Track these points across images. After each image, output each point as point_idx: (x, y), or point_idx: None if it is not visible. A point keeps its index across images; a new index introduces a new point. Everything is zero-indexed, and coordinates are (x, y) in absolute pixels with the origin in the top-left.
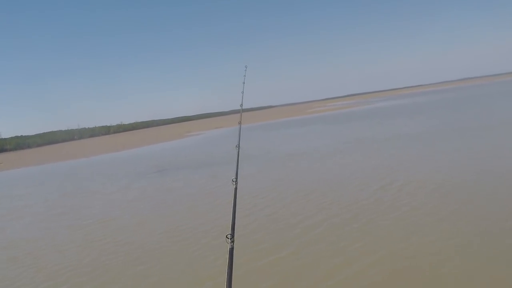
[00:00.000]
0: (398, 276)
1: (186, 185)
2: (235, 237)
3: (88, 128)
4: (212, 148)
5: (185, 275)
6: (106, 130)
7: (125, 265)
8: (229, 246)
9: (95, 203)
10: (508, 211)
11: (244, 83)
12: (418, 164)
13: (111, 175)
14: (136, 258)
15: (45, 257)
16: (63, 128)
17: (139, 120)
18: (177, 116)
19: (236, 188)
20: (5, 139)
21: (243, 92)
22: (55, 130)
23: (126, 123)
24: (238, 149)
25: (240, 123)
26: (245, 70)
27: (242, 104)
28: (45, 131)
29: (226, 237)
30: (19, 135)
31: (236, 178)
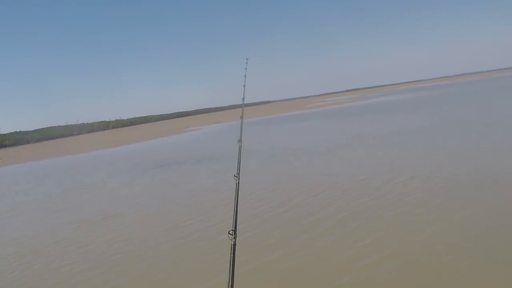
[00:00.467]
0: (407, 272)
1: (188, 180)
2: (237, 233)
3: (87, 123)
4: (212, 143)
5: (188, 272)
6: (105, 126)
7: (129, 261)
8: (231, 242)
9: (97, 198)
10: None
11: (245, 76)
12: (423, 159)
13: (112, 171)
14: (140, 255)
15: (50, 253)
16: (62, 123)
17: (138, 115)
18: (176, 111)
19: (238, 183)
20: (4, 134)
21: (244, 85)
22: (54, 125)
23: (125, 118)
24: (240, 143)
25: (242, 117)
26: (246, 62)
27: (244, 98)
28: (44, 127)
29: (229, 233)
30: (18, 130)
31: (238, 173)
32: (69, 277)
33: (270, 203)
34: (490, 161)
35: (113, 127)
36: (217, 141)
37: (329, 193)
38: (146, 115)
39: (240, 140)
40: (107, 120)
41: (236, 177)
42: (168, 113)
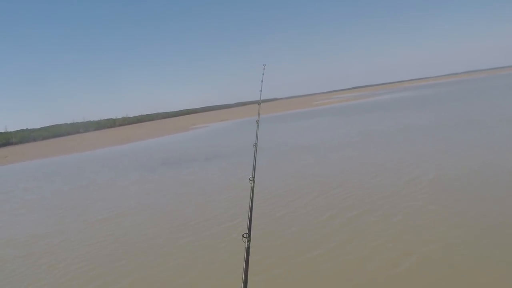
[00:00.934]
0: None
1: (197, 178)
2: (251, 236)
3: (94, 121)
4: (219, 140)
5: (200, 273)
6: (112, 123)
7: (139, 260)
8: (245, 245)
9: (106, 196)
10: None
11: (262, 81)
12: (435, 157)
13: (119, 169)
14: (150, 254)
15: (60, 252)
16: (69, 121)
17: (144, 113)
18: (182, 109)
19: (253, 187)
20: (10, 132)
21: (261, 90)
22: (61, 123)
23: (131, 116)
24: (256, 147)
25: (258, 122)
26: (264, 68)
27: (260, 102)
28: (50, 124)
29: (243, 236)
30: (25, 128)
31: (253, 177)
32: (79, 275)
33: (287, 203)
34: (504, 159)
35: (120, 125)
36: (224, 139)
37: (342, 190)
38: (153, 113)
39: (255, 144)
40: (114, 117)
41: (251, 181)
42: (174, 110)
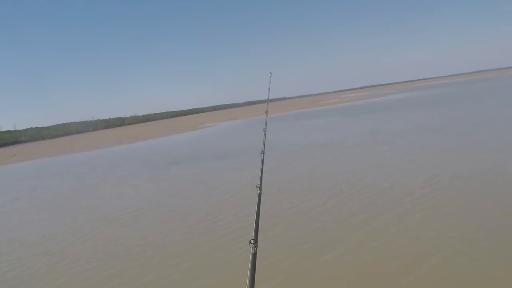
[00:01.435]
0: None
1: (207, 177)
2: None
3: (103, 119)
4: (228, 139)
5: (210, 276)
6: (121, 122)
7: (150, 260)
8: (251, 251)
9: (117, 195)
10: None
11: (269, 89)
12: (448, 157)
13: (129, 167)
14: (167, 254)
15: (74, 251)
16: (78, 120)
17: (153, 112)
18: (191, 108)
19: (260, 194)
20: (19, 130)
21: (268, 99)
22: (70, 121)
23: (140, 114)
24: (263, 155)
25: (265, 129)
26: (270, 76)
27: (267, 111)
28: (60, 123)
29: (250, 242)
30: (34, 126)
31: (261, 185)
32: (93, 274)
33: (303, 202)
34: None
35: (129, 124)
36: (233, 138)
37: (357, 190)
38: (161, 112)
39: (263, 152)
40: (123, 116)
41: (258, 188)
42: (183, 109)
